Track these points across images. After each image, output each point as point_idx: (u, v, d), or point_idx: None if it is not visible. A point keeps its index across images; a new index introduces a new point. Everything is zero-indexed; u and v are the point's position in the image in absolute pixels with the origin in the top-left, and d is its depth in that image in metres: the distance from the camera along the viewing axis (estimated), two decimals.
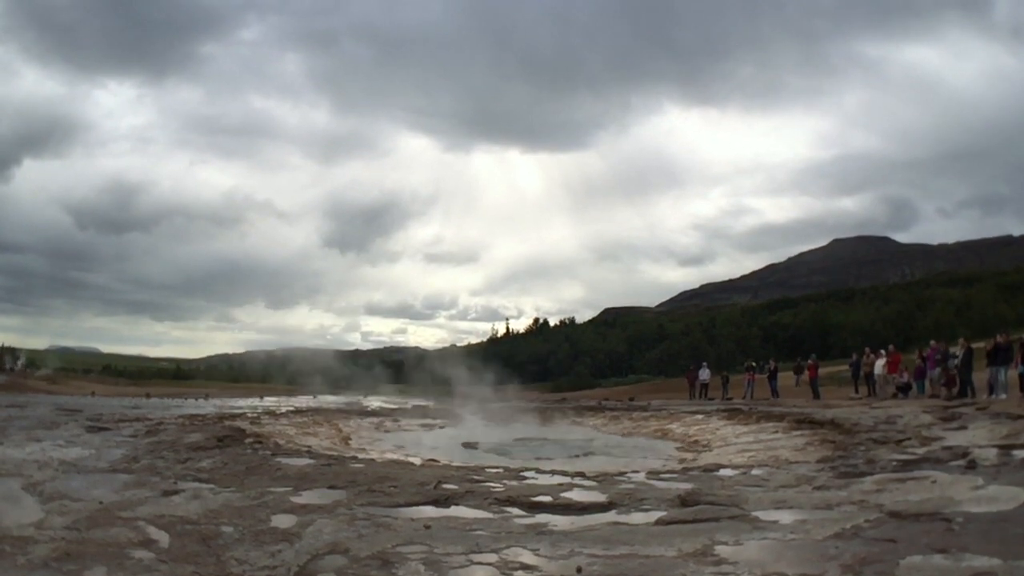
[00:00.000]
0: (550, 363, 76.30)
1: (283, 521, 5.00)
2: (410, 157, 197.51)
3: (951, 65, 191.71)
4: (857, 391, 20.64)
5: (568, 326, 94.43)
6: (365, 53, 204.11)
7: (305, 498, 5.93)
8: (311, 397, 29.63)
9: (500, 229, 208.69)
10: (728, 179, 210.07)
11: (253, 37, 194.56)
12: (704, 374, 27.27)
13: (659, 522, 5.05)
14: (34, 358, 44.07)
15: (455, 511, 5.54)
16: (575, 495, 6.21)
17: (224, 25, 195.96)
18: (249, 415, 16.02)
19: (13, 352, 40.05)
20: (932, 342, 18.31)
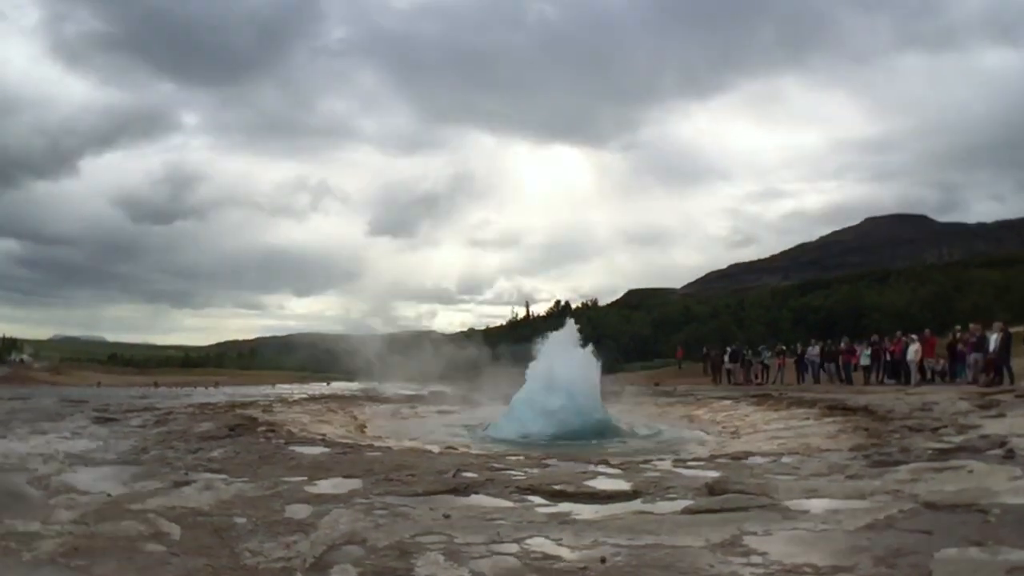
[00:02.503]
0: None
1: (298, 511, 4.96)
2: (458, 149, 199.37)
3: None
4: (879, 378, 20.21)
5: (591, 308, 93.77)
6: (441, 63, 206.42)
7: (320, 488, 5.90)
8: (324, 384, 29.75)
9: (538, 215, 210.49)
10: (761, 157, 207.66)
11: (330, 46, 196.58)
12: (731, 357, 26.84)
13: (686, 511, 4.94)
14: (38, 348, 44.52)
15: (475, 500, 5.49)
16: (599, 483, 6.12)
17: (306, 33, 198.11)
18: (261, 403, 16.08)
19: (16, 343, 40.41)
20: (971, 325, 17.80)
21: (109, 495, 5.49)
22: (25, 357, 37.26)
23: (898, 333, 20.89)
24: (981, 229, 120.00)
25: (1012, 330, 16.14)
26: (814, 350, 23.87)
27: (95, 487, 5.82)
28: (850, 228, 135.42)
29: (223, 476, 6.39)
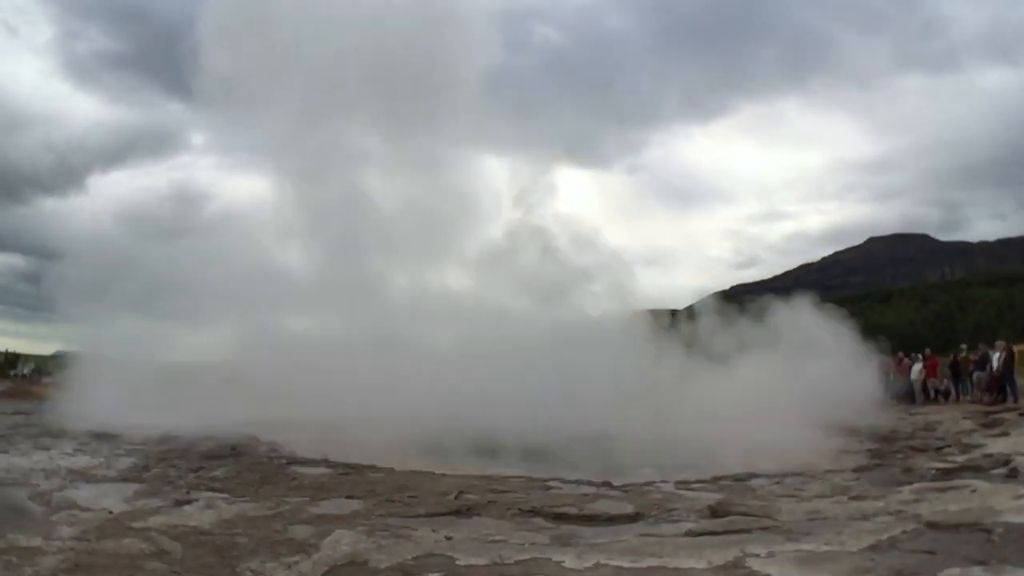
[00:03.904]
0: None
1: (300, 532, 4.93)
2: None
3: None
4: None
5: None
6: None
7: (322, 508, 5.87)
8: None
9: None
10: (763, 178, 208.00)
11: None
12: None
13: (688, 533, 4.91)
14: (40, 364, 43.98)
15: (477, 522, 5.45)
16: (601, 505, 6.08)
17: None
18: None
19: (20, 358, 39.95)
20: (981, 345, 17.79)
21: (111, 512, 5.48)
22: (28, 370, 36.75)
23: (899, 354, 20.85)
24: (983, 247, 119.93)
25: (1015, 348, 16.06)
26: None
27: (97, 504, 5.81)
28: (852, 248, 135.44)
29: (225, 495, 6.35)
